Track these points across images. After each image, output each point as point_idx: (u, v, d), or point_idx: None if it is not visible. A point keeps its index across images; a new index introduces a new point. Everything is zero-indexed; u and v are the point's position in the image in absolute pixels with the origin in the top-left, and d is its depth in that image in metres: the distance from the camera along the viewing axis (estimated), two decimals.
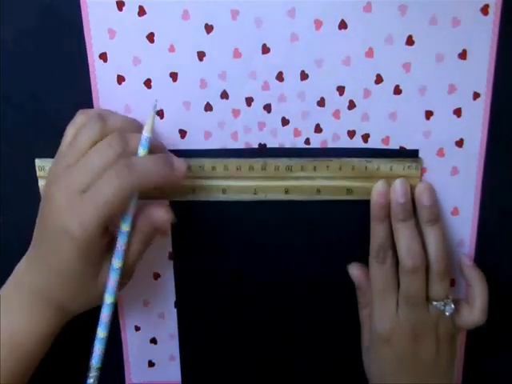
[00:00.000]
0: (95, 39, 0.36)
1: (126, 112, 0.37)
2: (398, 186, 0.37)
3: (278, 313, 0.42)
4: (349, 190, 0.38)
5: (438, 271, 0.36)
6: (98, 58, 0.36)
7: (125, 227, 0.33)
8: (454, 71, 0.36)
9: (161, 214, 0.34)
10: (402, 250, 0.36)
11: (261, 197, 0.38)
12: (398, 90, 0.36)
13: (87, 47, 0.36)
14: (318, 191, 0.38)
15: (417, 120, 0.37)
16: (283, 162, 0.38)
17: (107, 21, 0.35)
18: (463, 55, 0.35)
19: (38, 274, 0.34)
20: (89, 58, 0.36)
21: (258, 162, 0.38)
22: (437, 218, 0.37)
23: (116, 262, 0.33)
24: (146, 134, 0.33)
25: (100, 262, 0.34)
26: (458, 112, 0.37)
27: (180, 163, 0.34)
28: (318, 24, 0.35)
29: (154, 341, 0.43)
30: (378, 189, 0.37)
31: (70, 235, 0.31)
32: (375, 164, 0.37)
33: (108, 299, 0.34)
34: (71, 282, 0.33)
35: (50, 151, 0.37)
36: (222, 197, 0.38)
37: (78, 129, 0.34)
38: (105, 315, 0.34)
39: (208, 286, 0.42)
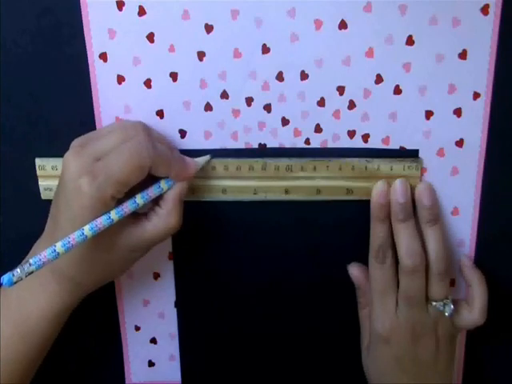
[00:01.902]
0: (95, 39, 0.36)
1: (126, 112, 0.37)
2: (397, 186, 0.37)
3: (278, 312, 0.42)
4: (349, 190, 0.38)
5: (437, 271, 0.36)
6: (97, 58, 0.36)
7: (139, 198, 0.34)
8: (454, 71, 0.36)
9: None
10: (401, 249, 0.36)
11: (261, 197, 0.38)
12: (398, 90, 0.36)
13: (87, 47, 0.36)
14: (318, 191, 0.38)
15: (417, 120, 0.37)
16: (283, 162, 0.38)
17: (107, 21, 0.35)
18: (463, 55, 0.35)
19: (48, 245, 0.32)
20: (89, 58, 0.36)
21: (257, 162, 0.38)
22: (437, 218, 0.37)
23: (113, 213, 0.32)
24: None
25: (111, 234, 0.33)
26: (457, 112, 0.37)
27: (191, 160, 0.36)
28: (318, 24, 0.35)
29: (153, 341, 0.43)
30: (377, 189, 0.37)
31: (82, 193, 0.31)
32: (375, 164, 0.37)
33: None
34: (82, 250, 0.33)
35: (50, 151, 0.37)
36: (222, 197, 0.38)
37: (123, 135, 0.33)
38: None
39: (208, 286, 0.42)
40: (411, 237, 0.36)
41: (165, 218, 0.34)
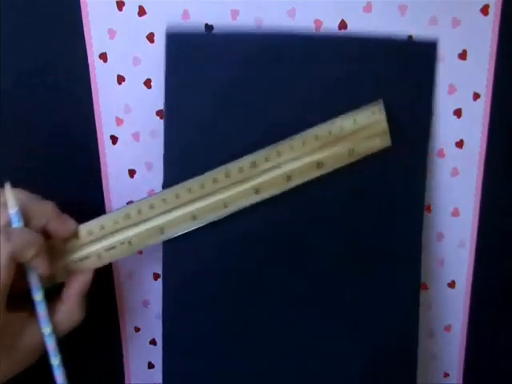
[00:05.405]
0: (95, 39, 0.36)
1: (126, 112, 0.37)
2: None
3: (278, 313, 0.42)
4: (319, 164, 0.36)
5: None
6: (97, 57, 0.36)
7: (37, 297, 0.33)
8: (454, 71, 0.36)
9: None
10: None
11: (232, 208, 0.37)
12: None
13: (87, 47, 0.36)
14: (289, 178, 0.36)
15: None
16: (245, 160, 0.36)
17: (107, 21, 0.35)
18: (463, 55, 0.35)
19: None
20: (89, 58, 0.36)
21: (220, 172, 0.36)
22: None
23: (44, 328, 0.34)
24: (11, 210, 0.32)
25: (12, 337, 0.33)
26: (458, 112, 0.37)
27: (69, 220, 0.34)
28: (318, 24, 0.35)
29: (153, 342, 0.43)
30: None
31: None
32: (338, 125, 0.35)
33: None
34: None
35: None
36: (192, 223, 0.37)
37: None
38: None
39: (208, 286, 0.41)
40: None
41: (68, 315, 0.35)
